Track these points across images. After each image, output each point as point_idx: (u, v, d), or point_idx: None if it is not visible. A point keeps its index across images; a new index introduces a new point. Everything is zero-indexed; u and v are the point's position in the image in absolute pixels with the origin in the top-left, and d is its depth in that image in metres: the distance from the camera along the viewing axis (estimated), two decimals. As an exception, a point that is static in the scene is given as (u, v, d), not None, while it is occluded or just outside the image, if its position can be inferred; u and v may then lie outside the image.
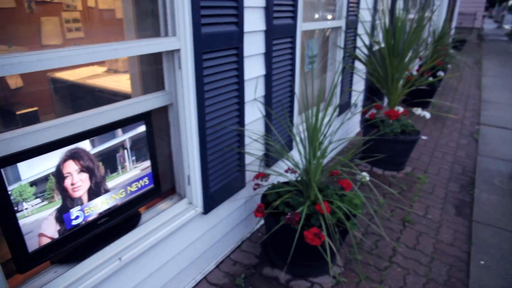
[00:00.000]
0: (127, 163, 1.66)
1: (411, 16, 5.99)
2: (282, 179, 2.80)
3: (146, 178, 1.78)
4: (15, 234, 1.27)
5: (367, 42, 4.13)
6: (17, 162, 1.23)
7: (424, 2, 7.08)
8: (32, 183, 1.29)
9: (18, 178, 1.24)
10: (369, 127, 3.81)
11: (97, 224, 1.57)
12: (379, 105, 4.01)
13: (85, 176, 1.48)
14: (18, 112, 2.30)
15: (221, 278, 2.30)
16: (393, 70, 3.55)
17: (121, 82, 2.71)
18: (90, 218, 1.54)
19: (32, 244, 1.33)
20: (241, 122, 2.17)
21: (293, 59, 2.59)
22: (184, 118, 1.81)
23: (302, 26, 2.68)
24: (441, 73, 6.25)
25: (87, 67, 3.06)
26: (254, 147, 2.45)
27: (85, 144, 1.45)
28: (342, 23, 3.51)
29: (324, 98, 3.77)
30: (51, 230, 1.39)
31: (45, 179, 1.33)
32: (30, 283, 1.39)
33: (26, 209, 1.28)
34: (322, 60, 3.66)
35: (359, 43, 4.03)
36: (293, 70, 2.62)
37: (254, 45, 2.18)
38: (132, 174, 1.69)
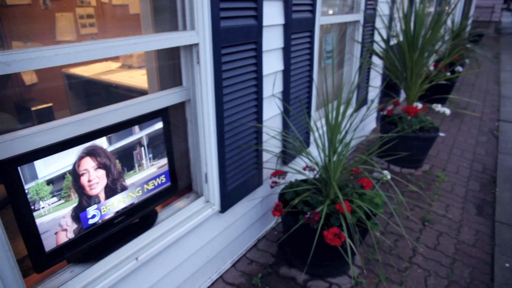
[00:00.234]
0: (144, 161, 1.62)
1: (430, 9, 5.84)
2: (299, 177, 2.74)
3: (163, 176, 1.74)
4: (32, 234, 1.24)
5: (385, 36, 4.02)
6: (34, 160, 1.20)
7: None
8: (49, 182, 1.25)
9: (35, 177, 1.21)
10: (387, 124, 3.72)
11: (113, 223, 1.54)
12: (396, 101, 3.92)
13: (102, 173, 1.44)
14: (33, 108, 2.28)
15: (237, 277, 2.25)
16: (412, 65, 3.45)
17: (136, 78, 2.68)
18: (106, 217, 1.50)
19: (49, 243, 1.30)
20: (259, 118, 2.12)
21: (311, 54, 2.52)
22: (202, 114, 1.76)
23: (320, 20, 2.60)
24: (459, 68, 6.09)
25: (100, 62, 3.04)
26: (271, 144, 2.39)
27: (102, 142, 1.41)
28: (360, 16, 3.42)
29: (341, 94, 3.68)
30: (68, 229, 1.36)
31: (61, 177, 1.29)
32: (46, 283, 1.37)
33: (43, 208, 1.25)
34: (339, 55, 3.58)
35: (376, 38, 3.93)
36: (311, 65, 2.55)
37: (272, 40, 2.12)
38: (149, 172, 1.65)
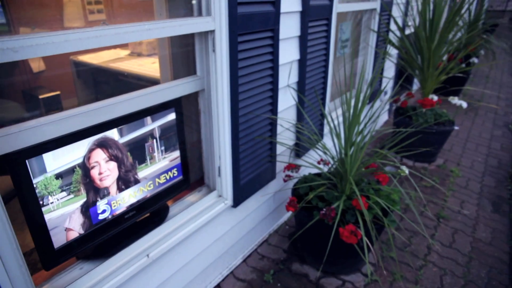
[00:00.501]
0: (156, 154, 1.55)
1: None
2: (313, 171, 2.66)
3: (175, 169, 1.67)
4: (41, 230, 1.18)
5: (401, 25, 3.89)
6: (43, 153, 1.13)
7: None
8: (58, 176, 1.19)
9: (43, 170, 1.14)
10: (401, 116, 3.62)
11: (124, 219, 1.48)
12: (411, 93, 3.80)
13: (113, 165, 1.37)
14: (41, 96, 2.21)
15: (248, 273, 2.20)
16: (430, 55, 3.33)
17: (146, 66, 2.59)
18: (117, 212, 1.44)
19: (58, 240, 1.24)
20: (274, 110, 2.03)
21: (327, 43, 2.42)
22: (216, 105, 1.68)
23: (338, 7, 2.49)
24: (474, 60, 5.92)
25: (109, 50, 2.95)
26: (285, 136, 2.31)
27: (113, 133, 1.34)
28: (377, 4, 3.29)
29: (355, 84, 3.58)
30: (77, 225, 1.30)
31: (71, 171, 1.23)
32: (55, 280, 1.31)
33: (51, 203, 1.19)
34: (354, 44, 3.46)
35: (392, 27, 3.80)
36: (327, 54, 2.45)
37: (289, 27, 2.02)
38: (161, 165, 1.59)
